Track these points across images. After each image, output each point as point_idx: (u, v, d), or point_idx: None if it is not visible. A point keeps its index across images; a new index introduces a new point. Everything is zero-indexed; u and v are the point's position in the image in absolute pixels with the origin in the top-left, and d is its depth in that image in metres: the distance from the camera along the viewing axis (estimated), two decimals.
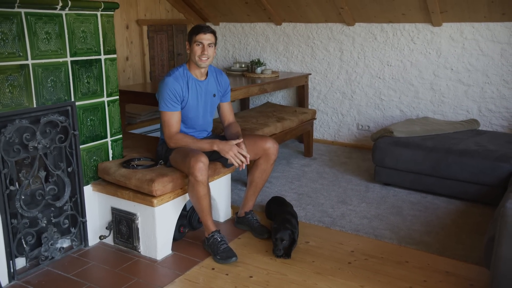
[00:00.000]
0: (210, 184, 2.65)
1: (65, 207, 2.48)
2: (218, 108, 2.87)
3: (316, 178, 3.80)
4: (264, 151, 2.74)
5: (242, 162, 2.50)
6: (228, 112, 2.88)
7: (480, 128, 3.91)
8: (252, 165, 2.86)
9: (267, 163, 2.77)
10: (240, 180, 3.71)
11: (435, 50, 4.11)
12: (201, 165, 2.38)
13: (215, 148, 2.53)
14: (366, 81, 4.52)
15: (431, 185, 3.34)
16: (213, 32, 2.61)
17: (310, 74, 4.76)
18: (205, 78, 2.70)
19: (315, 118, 4.38)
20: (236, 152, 2.49)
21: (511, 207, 1.88)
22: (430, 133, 3.62)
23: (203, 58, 2.56)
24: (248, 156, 2.53)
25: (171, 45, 4.90)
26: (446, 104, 4.16)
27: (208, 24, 5.31)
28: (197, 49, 2.56)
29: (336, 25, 4.56)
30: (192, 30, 2.60)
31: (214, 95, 2.75)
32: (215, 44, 2.63)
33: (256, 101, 5.17)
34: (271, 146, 2.74)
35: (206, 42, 2.55)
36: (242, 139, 2.58)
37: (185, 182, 2.59)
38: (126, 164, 2.61)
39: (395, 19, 4.19)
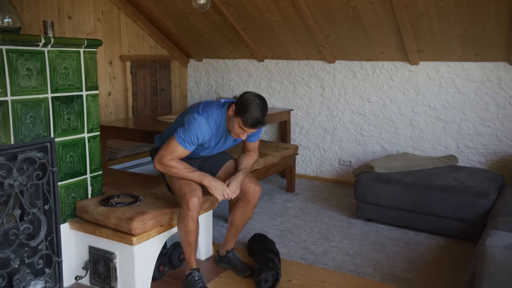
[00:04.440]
0: None
1: (40, 247, 2.40)
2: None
3: (298, 214, 3.78)
4: (245, 194, 2.65)
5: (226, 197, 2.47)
6: (251, 149, 2.71)
7: (458, 164, 3.98)
8: (234, 205, 2.83)
9: (247, 207, 2.70)
10: (222, 216, 3.66)
11: (413, 87, 4.23)
12: (196, 202, 2.37)
13: (205, 183, 2.45)
14: (347, 117, 4.59)
15: (413, 221, 3.36)
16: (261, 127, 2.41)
17: (292, 109, 4.82)
18: None
19: (297, 154, 4.40)
20: (224, 192, 2.46)
21: (491, 245, 1.89)
22: (410, 168, 3.67)
23: (235, 137, 2.46)
24: (232, 196, 2.50)
25: (154, 81, 4.93)
26: (425, 140, 4.24)
27: (191, 60, 5.37)
28: (239, 132, 2.38)
29: (317, 62, 4.66)
30: (244, 115, 2.30)
31: (235, 140, 2.61)
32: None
33: None
34: (252, 190, 2.63)
35: (249, 132, 2.40)
36: (239, 177, 2.53)
37: (166, 219, 2.55)
38: (105, 202, 2.56)
39: (374, 57, 4.31)
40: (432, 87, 4.14)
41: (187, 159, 2.57)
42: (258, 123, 2.32)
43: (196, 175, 2.46)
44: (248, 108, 2.29)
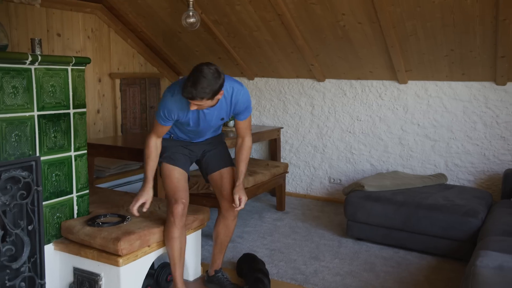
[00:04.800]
0: None
1: (22, 269, 2.33)
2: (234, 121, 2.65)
3: (288, 233, 3.74)
4: (221, 209, 2.70)
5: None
6: (243, 130, 2.61)
7: (447, 183, 3.99)
8: (217, 217, 2.80)
9: (228, 219, 2.70)
10: (210, 236, 3.61)
11: (402, 106, 4.26)
12: (180, 209, 2.44)
13: (142, 187, 2.50)
14: (337, 135, 4.60)
15: (403, 240, 3.34)
16: (202, 98, 2.21)
17: (282, 127, 4.82)
18: (213, 105, 2.37)
19: (287, 172, 4.38)
20: (139, 208, 2.46)
21: (481, 266, 1.88)
22: (400, 187, 3.66)
23: (191, 108, 2.29)
24: (242, 206, 2.54)
25: (144, 98, 4.91)
26: (415, 159, 4.26)
27: (181, 78, 5.36)
28: (193, 105, 2.27)
29: (307, 81, 4.69)
30: (183, 85, 2.24)
31: (222, 119, 2.53)
32: (215, 94, 2.24)
33: None
34: (225, 209, 2.67)
35: (198, 103, 2.25)
36: (241, 187, 2.57)
37: (154, 239, 2.52)
38: (91, 222, 2.51)
39: (363, 76, 4.34)
40: (421, 105, 4.17)
41: (191, 145, 2.66)
42: (189, 94, 2.18)
43: (146, 171, 2.51)
44: (188, 78, 2.23)
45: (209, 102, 2.27)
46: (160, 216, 2.68)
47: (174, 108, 2.39)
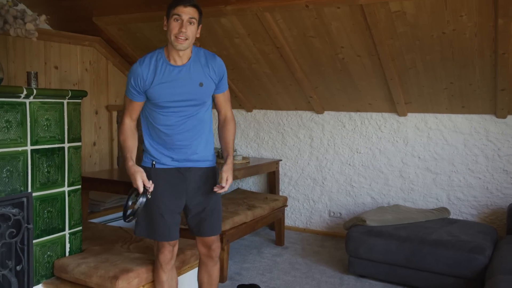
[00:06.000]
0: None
1: None
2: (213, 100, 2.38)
3: (288, 270, 3.62)
4: (199, 254, 2.42)
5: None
6: (223, 104, 2.36)
7: (450, 217, 3.90)
8: (198, 265, 2.53)
9: (208, 265, 2.41)
10: None
11: (402, 138, 4.21)
12: (167, 255, 2.28)
13: (126, 170, 2.13)
14: (336, 168, 4.53)
15: (407, 277, 3.22)
16: (196, 6, 2.12)
17: (281, 160, 4.76)
18: (186, 62, 2.18)
19: (286, 205, 4.29)
20: (146, 183, 2.08)
21: None
22: (402, 221, 3.57)
23: (180, 38, 2.07)
24: (226, 188, 2.17)
25: (140, 130, 4.84)
26: (416, 192, 4.18)
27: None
28: (174, 26, 2.07)
29: (306, 113, 4.66)
30: (170, 3, 2.11)
31: (201, 84, 2.19)
32: (199, 23, 2.14)
33: None
34: (203, 255, 2.39)
35: (185, 17, 2.07)
36: (230, 167, 2.20)
37: (152, 276, 2.41)
38: (129, 217, 2.13)
39: (362, 108, 4.32)
40: (421, 138, 4.13)
41: (180, 181, 2.26)
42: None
43: (127, 155, 2.17)
44: (171, 1, 2.12)
45: (193, 28, 2.10)
46: None
47: (145, 72, 2.13)
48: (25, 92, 2.23)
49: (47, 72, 3.88)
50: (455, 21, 3.03)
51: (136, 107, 2.24)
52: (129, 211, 2.07)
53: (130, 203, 2.08)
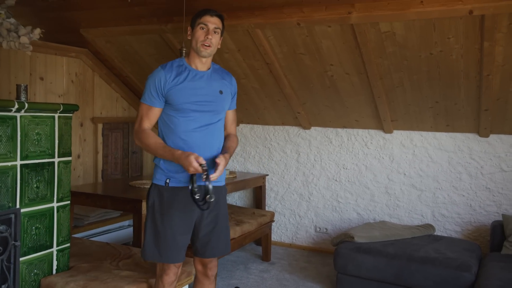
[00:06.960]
0: None
1: None
2: None
3: (276, 286, 3.60)
4: (196, 272, 2.39)
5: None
6: (230, 122, 2.39)
7: (435, 233, 3.96)
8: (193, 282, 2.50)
9: (203, 285, 2.38)
10: None
11: (388, 155, 4.27)
12: (172, 276, 2.22)
13: (175, 161, 2.09)
14: (323, 183, 4.56)
15: None
16: (221, 17, 2.23)
17: (268, 175, 4.76)
18: (207, 69, 2.26)
19: (273, 221, 4.28)
20: (195, 167, 2.02)
21: None
22: (389, 238, 3.60)
23: (205, 44, 2.15)
24: (215, 178, 2.08)
25: (126, 143, 4.79)
26: (401, 208, 4.23)
27: None
28: (200, 34, 2.16)
29: (293, 128, 4.68)
30: (196, 14, 2.21)
31: (221, 92, 2.25)
32: (222, 33, 2.24)
33: None
34: (200, 273, 2.36)
35: (211, 26, 2.17)
36: (226, 160, 2.14)
37: None
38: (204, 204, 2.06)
39: (349, 124, 4.37)
40: (407, 155, 4.20)
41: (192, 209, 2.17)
42: (210, 10, 2.20)
43: (168, 150, 2.11)
44: (197, 12, 2.22)
45: (217, 37, 2.21)
46: (148, 267, 2.53)
47: (168, 74, 2.16)
48: (16, 106, 2.17)
49: (32, 83, 3.80)
50: (442, 43, 3.11)
51: (155, 113, 2.21)
52: (197, 196, 2.03)
53: (196, 189, 2.04)
